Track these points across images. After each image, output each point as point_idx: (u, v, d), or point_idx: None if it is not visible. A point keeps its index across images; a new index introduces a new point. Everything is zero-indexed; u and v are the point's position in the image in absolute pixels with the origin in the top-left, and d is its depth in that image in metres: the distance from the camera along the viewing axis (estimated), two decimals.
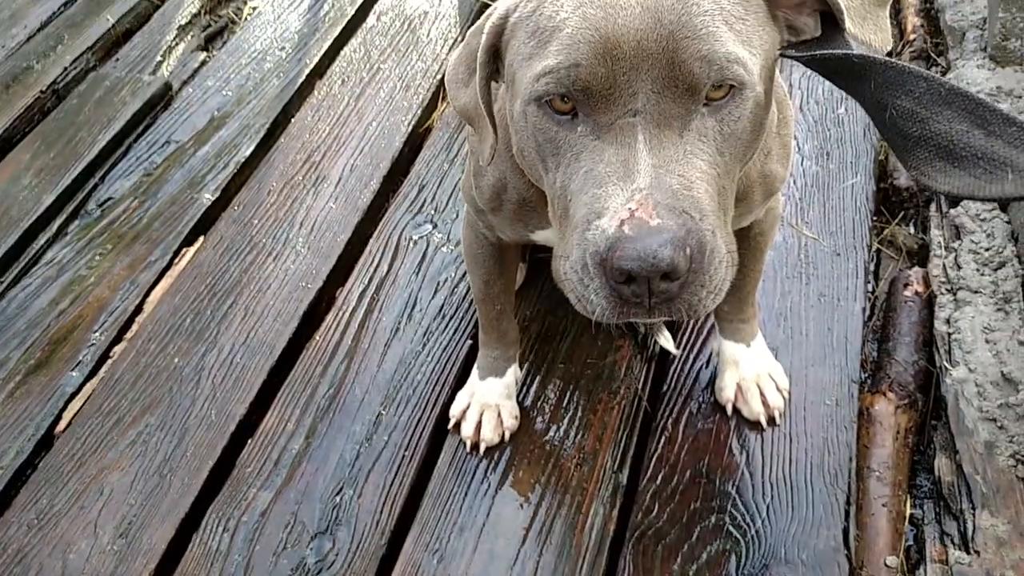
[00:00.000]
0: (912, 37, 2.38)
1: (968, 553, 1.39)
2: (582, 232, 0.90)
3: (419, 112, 2.33)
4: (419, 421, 1.65)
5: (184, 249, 2.05)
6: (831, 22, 0.97)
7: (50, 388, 1.79)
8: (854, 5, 0.96)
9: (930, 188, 0.90)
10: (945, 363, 1.63)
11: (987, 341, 1.61)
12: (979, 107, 0.86)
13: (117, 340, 1.87)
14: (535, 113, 0.95)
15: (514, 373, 1.63)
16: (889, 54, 2.27)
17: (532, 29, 0.95)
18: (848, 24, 0.94)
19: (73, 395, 1.77)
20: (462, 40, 2.52)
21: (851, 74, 0.93)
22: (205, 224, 2.11)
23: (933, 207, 1.95)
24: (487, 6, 2.67)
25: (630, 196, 0.87)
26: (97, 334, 1.88)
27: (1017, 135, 0.84)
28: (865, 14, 0.97)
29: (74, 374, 1.81)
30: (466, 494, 1.53)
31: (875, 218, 1.94)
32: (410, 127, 2.29)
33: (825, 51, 0.95)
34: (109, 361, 1.83)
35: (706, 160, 0.91)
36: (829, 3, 0.94)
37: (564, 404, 1.64)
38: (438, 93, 2.40)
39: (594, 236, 0.88)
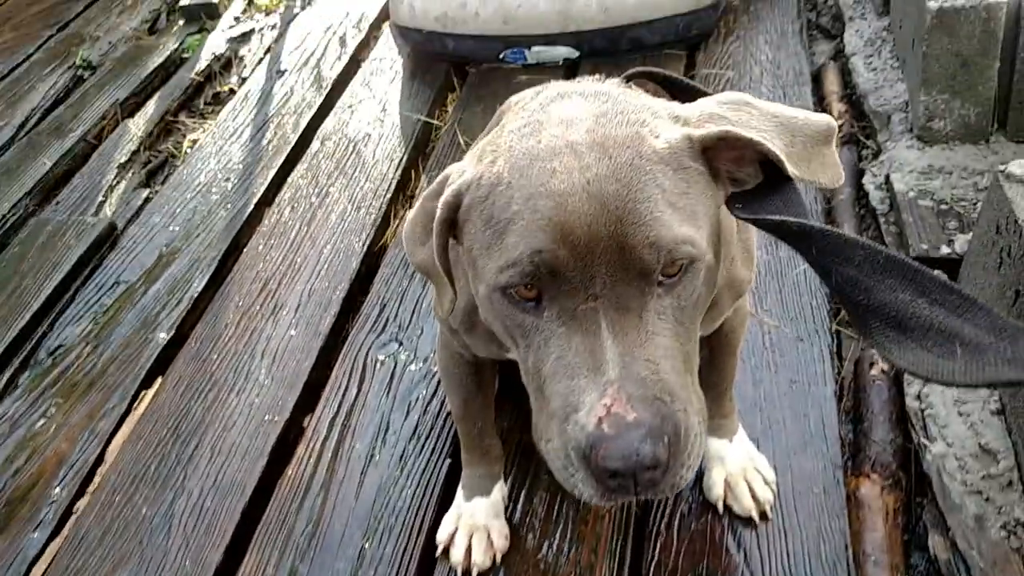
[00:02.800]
0: (840, 123, 2.49)
1: None
2: (560, 423, 0.92)
3: (372, 231, 2.34)
4: (404, 551, 1.60)
5: (143, 392, 2.00)
6: (774, 168, 0.98)
7: (11, 552, 1.69)
8: (795, 150, 0.98)
9: (890, 362, 0.89)
10: (922, 439, 1.65)
11: (960, 414, 1.64)
12: (918, 274, 0.86)
13: (79, 494, 1.79)
14: (500, 300, 0.97)
15: (500, 490, 1.60)
16: None
17: (487, 218, 0.96)
18: (791, 169, 0.96)
19: (36, 557, 1.68)
20: (407, 160, 2.57)
21: (792, 239, 0.94)
22: (162, 364, 2.06)
23: None
24: (429, 125, 2.72)
25: (603, 390, 0.89)
26: (58, 490, 1.79)
27: (958, 303, 0.84)
28: (809, 156, 0.99)
29: (36, 535, 1.72)
30: None
31: (831, 300, 1.98)
32: (365, 247, 2.29)
33: (765, 218, 0.95)
34: (73, 517, 1.75)
35: (668, 336, 0.94)
36: (768, 155, 0.96)
37: (553, 517, 1.60)
38: (390, 211, 2.42)
39: (574, 431, 0.90)
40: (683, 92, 1.21)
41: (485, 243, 0.97)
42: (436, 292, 1.15)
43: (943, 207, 2.06)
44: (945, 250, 1.95)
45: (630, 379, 0.89)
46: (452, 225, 1.04)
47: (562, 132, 0.96)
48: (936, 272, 0.87)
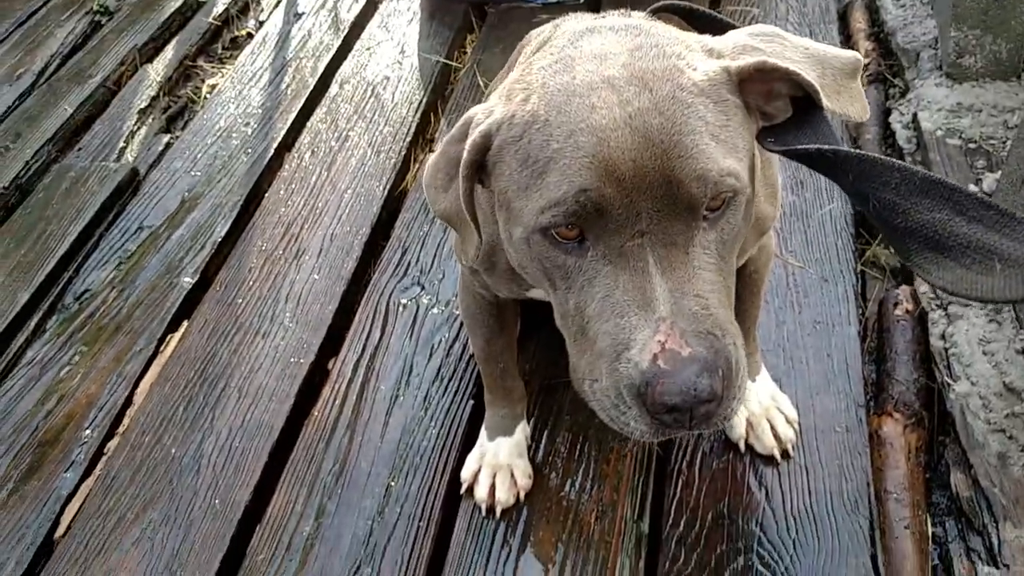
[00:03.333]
0: (867, 61, 2.44)
1: (997, 567, 1.39)
2: (611, 362, 0.92)
3: (393, 176, 2.33)
4: (430, 489, 1.62)
5: (169, 336, 2.02)
6: (805, 101, 0.98)
7: (44, 492, 1.73)
8: (826, 82, 0.98)
9: (928, 282, 0.89)
10: (946, 378, 1.64)
11: (984, 353, 1.63)
12: (955, 193, 0.86)
13: (109, 436, 1.82)
14: (540, 242, 0.95)
15: (523, 430, 1.61)
16: None
17: (523, 158, 0.94)
18: (825, 101, 0.96)
19: (69, 497, 1.72)
20: (427, 103, 2.55)
21: (828, 167, 0.94)
22: (188, 308, 2.08)
23: None
24: (448, 67, 2.69)
25: (656, 327, 0.89)
26: (88, 431, 1.83)
27: (996, 219, 0.84)
28: (839, 88, 0.99)
29: (68, 475, 1.75)
30: (488, 560, 1.50)
31: (856, 241, 1.96)
32: (386, 191, 2.29)
33: (799, 147, 0.95)
34: (104, 458, 1.78)
35: (713, 270, 0.94)
36: (804, 85, 0.95)
37: (576, 456, 1.62)
38: (410, 155, 2.41)
39: (627, 369, 0.90)
40: (710, 26, 1.19)
41: (522, 184, 0.95)
42: (460, 238, 1.13)
43: (971, 146, 2.03)
44: (973, 188, 1.92)
45: (682, 315, 0.89)
46: (479, 168, 1.02)
47: (597, 67, 0.94)
48: (973, 188, 0.87)
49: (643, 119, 0.89)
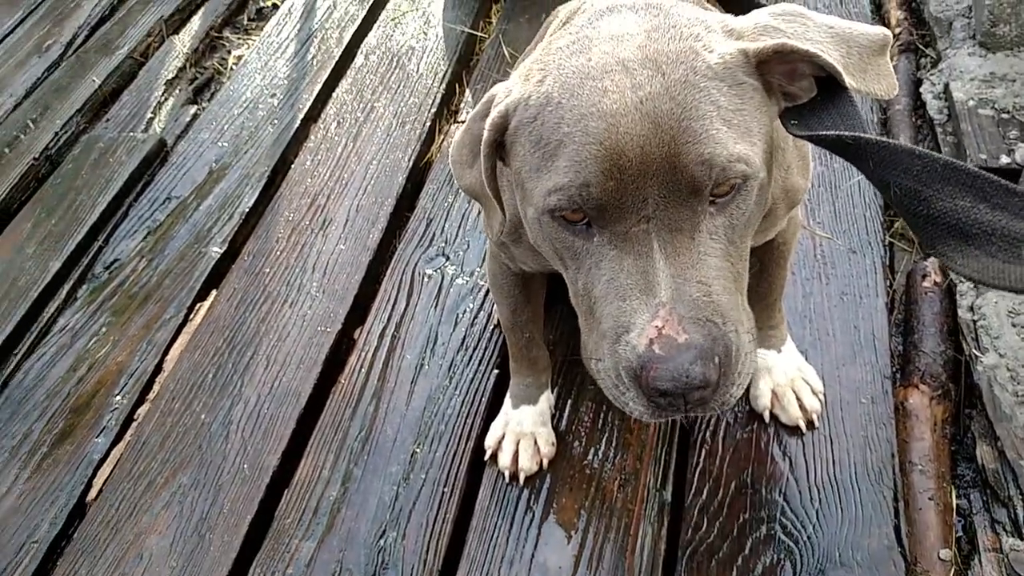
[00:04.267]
0: (898, 31, 2.41)
1: (1022, 539, 1.39)
2: (612, 344, 0.94)
3: (418, 147, 2.33)
4: (455, 455, 1.64)
5: (198, 304, 2.04)
6: (830, 80, 0.97)
7: (77, 456, 1.76)
8: (852, 61, 0.96)
9: (954, 271, 0.88)
10: (974, 350, 1.63)
11: (1013, 325, 1.62)
12: (977, 179, 0.84)
13: (140, 402, 1.85)
14: (549, 223, 0.97)
15: (547, 400, 1.62)
16: None
17: (536, 139, 0.96)
18: (849, 81, 0.94)
19: (101, 461, 1.75)
20: (452, 73, 2.54)
21: (849, 153, 0.93)
22: (216, 277, 2.10)
23: None
24: (473, 37, 2.68)
25: (655, 311, 0.90)
26: (119, 398, 1.86)
27: (1021, 205, 0.82)
28: (865, 67, 0.97)
29: (100, 440, 1.79)
30: (511, 526, 1.52)
31: (884, 212, 1.95)
32: (411, 162, 2.29)
33: (820, 133, 0.94)
34: (134, 424, 1.81)
35: (719, 256, 0.94)
36: (825, 66, 0.94)
37: (599, 426, 1.63)
38: (435, 127, 2.40)
39: (625, 352, 0.92)
40: (737, 4, 1.18)
41: (534, 165, 0.96)
42: (484, 214, 1.15)
43: (1004, 116, 2.00)
44: (1004, 160, 1.90)
45: (681, 301, 0.90)
46: (499, 147, 1.03)
47: (612, 48, 0.95)
48: (996, 176, 0.85)
49: (654, 104, 0.90)
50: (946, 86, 2.12)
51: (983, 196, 0.84)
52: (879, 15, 2.53)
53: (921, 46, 2.37)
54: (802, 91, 0.99)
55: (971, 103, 2.03)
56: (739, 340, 0.94)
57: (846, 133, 0.91)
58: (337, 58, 2.69)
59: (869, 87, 0.96)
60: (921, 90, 2.20)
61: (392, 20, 2.84)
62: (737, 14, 1.06)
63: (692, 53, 0.93)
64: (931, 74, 2.23)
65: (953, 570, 1.39)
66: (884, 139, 0.89)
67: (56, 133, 2.62)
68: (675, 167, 0.89)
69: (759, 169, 0.94)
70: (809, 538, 1.42)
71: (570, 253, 0.98)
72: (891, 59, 2.30)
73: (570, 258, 0.99)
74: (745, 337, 0.95)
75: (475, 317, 1.88)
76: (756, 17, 1.01)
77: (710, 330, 0.90)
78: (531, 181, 0.97)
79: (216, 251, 2.15)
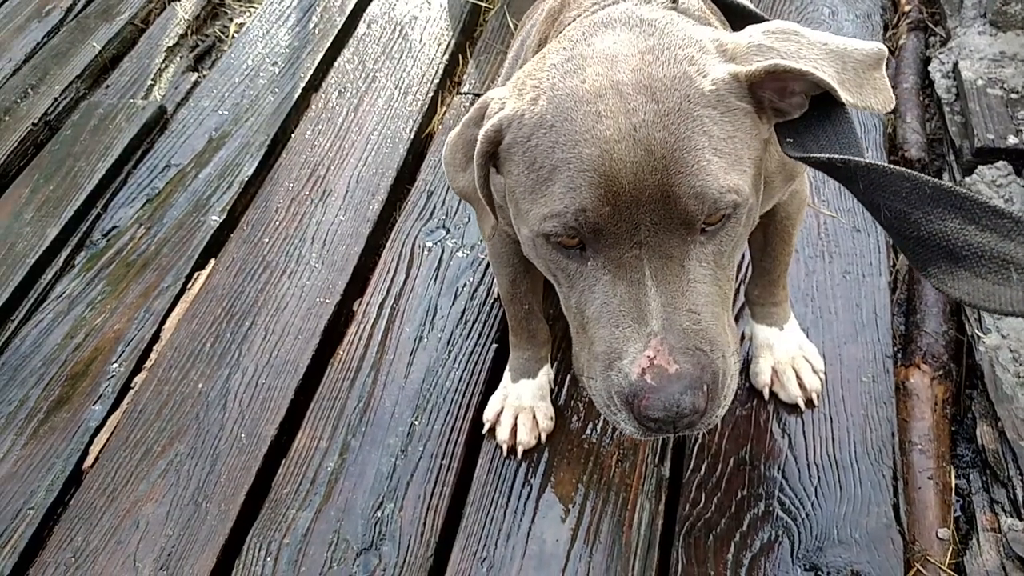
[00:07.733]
0: (907, 8, 2.38)
1: (1021, 519, 1.38)
2: (604, 368, 0.96)
3: (420, 118, 2.31)
4: (453, 428, 1.63)
5: (196, 273, 2.03)
6: (825, 96, 0.97)
7: (74, 424, 1.76)
8: (847, 76, 0.97)
9: (945, 293, 0.87)
10: (976, 331, 1.62)
11: None
12: (966, 201, 0.84)
13: (137, 370, 1.84)
14: (544, 245, 0.99)
15: (546, 374, 1.62)
16: (885, 27, 2.25)
17: (530, 160, 0.96)
18: (845, 96, 0.95)
19: (98, 429, 1.75)
20: (455, 44, 2.52)
21: (839, 175, 0.93)
22: (215, 246, 2.08)
23: (946, 175, 1.95)
24: (477, 7, 2.66)
25: (647, 341, 0.93)
26: (116, 365, 1.85)
27: (1011, 227, 0.82)
28: (861, 81, 0.98)
29: (97, 408, 1.78)
30: (508, 499, 1.52)
31: None
32: (412, 134, 2.27)
33: (811, 156, 0.95)
34: (131, 392, 1.80)
35: (708, 282, 0.96)
36: (820, 83, 0.94)
37: None
38: (436, 98, 2.38)
39: (618, 378, 0.95)
40: (734, 13, 1.20)
41: (528, 187, 0.97)
42: (477, 216, 1.17)
43: (1013, 96, 1.98)
44: (1012, 140, 1.88)
45: (672, 330, 0.93)
46: (493, 157, 1.04)
47: (606, 70, 0.95)
48: (986, 198, 0.85)
49: (647, 132, 0.90)
50: (955, 65, 2.10)
51: (972, 218, 0.84)
52: None
53: (931, 24, 2.34)
54: (792, 107, 1.00)
55: (980, 82, 2.01)
56: (726, 365, 0.97)
57: (836, 156, 0.92)
58: (339, 27, 2.66)
59: (866, 102, 0.98)
60: (929, 68, 2.18)
61: None
62: (734, 25, 1.06)
63: (686, 79, 0.94)
64: (940, 52, 2.20)
65: (951, 549, 1.39)
66: (874, 162, 0.89)
67: (55, 99, 2.59)
68: (668, 197, 0.90)
69: (748, 196, 0.96)
70: (807, 515, 1.42)
71: (564, 274, 1.01)
72: (901, 38, 2.29)
73: (564, 278, 1.01)
74: (731, 360, 0.99)
75: (475, 291, 1.86)
76: (750, 34, 1.01)
77: (699, 359, 0.93)
78: (525, 202, 0.99)
79: (215, 220, 2.13)
